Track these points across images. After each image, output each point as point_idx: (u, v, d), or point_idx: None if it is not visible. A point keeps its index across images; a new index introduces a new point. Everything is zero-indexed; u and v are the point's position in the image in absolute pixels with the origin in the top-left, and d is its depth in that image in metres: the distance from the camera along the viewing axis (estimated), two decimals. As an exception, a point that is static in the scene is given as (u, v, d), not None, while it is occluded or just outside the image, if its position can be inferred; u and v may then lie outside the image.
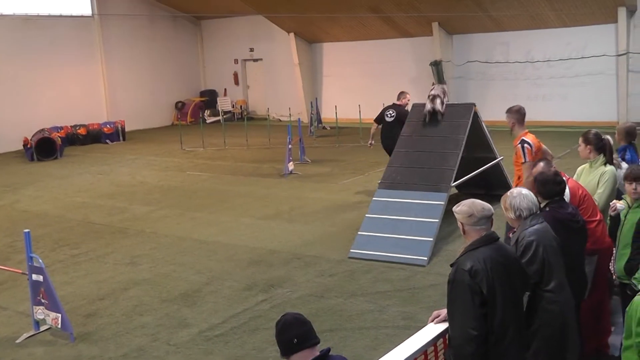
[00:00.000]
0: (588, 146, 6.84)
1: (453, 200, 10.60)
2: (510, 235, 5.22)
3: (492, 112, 17.82)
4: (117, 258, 10.36)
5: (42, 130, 21.82)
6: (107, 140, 23.78)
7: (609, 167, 6.73)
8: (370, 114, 22.38)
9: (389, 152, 11.94)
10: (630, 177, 5.77)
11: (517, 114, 8.31)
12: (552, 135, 19.65)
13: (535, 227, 4.85)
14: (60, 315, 7.38)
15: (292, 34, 26.35)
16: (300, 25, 25.58)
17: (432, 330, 4.74)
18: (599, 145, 6.78)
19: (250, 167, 17.54)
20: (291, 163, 16.24)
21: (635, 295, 4.24)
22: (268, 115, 25.13)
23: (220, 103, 29.23)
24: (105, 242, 11.26)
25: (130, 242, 11.17)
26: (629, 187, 5.79)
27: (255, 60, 29.04)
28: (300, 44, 26.58)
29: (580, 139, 6.97)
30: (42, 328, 7.67)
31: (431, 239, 9.46)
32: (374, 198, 10.49)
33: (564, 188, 5.64)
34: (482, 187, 11.70)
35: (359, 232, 9.99)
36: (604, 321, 6.31)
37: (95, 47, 25.81)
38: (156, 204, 13.81)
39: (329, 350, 3.77)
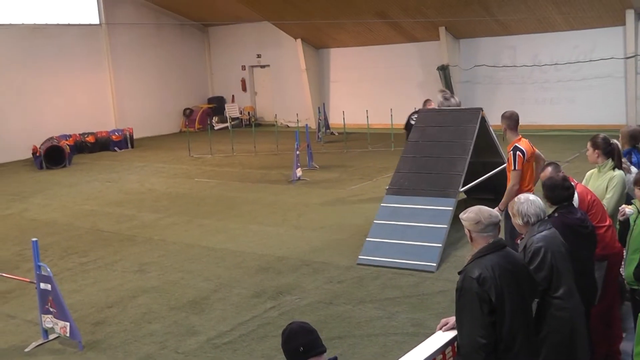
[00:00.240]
0: (596, 150, 6.80)
1: (461, 205, 10.59)
2: (518, 241, 5.19)
3: (500, 117, 17.76)
4: (125, 266, 10.36)
5: (51, 138, 21.92)
6: (116, 148, 23.85)
7: (618, 172, 6.68)
8: (377, 119, 22.48)
9: None
10: (640, 182, 5.73)
11: (509, 120, 8.27)
12: (560, 139, 19.63)
13: (543, 233, 4.82)
14: (68, 323, 7.38)
15: (299, 40, 26.38)
16: (307, 31, 25.60)
17: (441, 338, 4.70)
18: (607, 149, 6.74)
19: (258, 173, 17.54)
20: (299, 169, 16.23)
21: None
22: (276, 122, 25.16)
23: (228, 109, 29.27)
24: (114, 249, 11.27)
25: (139, 250, 11.18)
26: (638, 192, 5.75)
27: (263, 66, 29.08)
28: (307, 49, 26.62)
29: (589, 143, 6.92)
30: (51, 337, 7.67)
31: (440, 245, 9.42)
32: (382, 204, 10.46)
33: (573, 193, 5.61)
34: (490, 191, 11.64)
35: (367, 239, 9.96)
36: (614, 327, 6.25)
37: (102, 55, 25.92)
38: (164, 211, 13.82)
39: (335, 359, 3.75)
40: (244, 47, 28.99)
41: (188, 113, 28.86)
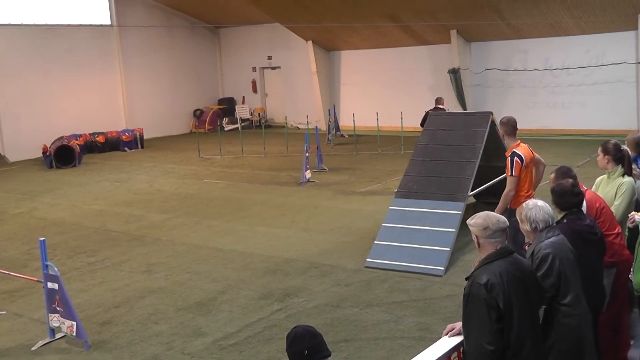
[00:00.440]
0: (606, 156, 6.76)
1: (470, 209, 10.56)
2: (526, 247, 5.15)
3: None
4: (133, 266, 10.38)
5: (61, 138, 21.99)
6: (126, 148, 23.92)
7: (627, 179, 6.63)
8: (388, 122, 22.44)
9: None
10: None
11: (506, 126, 8.19)
12: (571, 144, 19.55)
13: (551, 239, 4.78)
14: (75, 323, 7.40)
15: (310, 42, 26.39)
16: (318, 33, 25.60)
17: (447, 343, 4.68)
18: (617, 156, 6.69)
19: (267, 175, 17.54)
20: (308, 171, 16.22)
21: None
22: (286, 123, 25.16)
23: (238, 111, 29.31)
24: (122, 250, 11.29)
25: (147, 250, 11.19)
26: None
27: (274, 68, 29.11)
28: (318, 51, 26.62)
29: (599, 149, 6.88)
30: (58, 336, 7.69)
31: (448, 249, 9.39)
32: (390, 207, 10.44)
33: (582, 199, 5.56)
34: (499, 196, 11.56)
35: (376, 242, 9.94)
36: (622, 334, 6.20)
37: (114, 56, 26.02)
38: (173, 212, 13.84)
39: (340, 363, 3.74)
40: (254, 48, 29.03)
41: (198, 114, 28.92)
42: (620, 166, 6.71)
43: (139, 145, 24.29)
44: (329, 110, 24.45)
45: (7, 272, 8.99)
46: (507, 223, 4.47)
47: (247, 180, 16.93)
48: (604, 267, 5.65)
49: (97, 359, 7.22)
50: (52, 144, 21.44)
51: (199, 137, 22.37)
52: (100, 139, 23.79)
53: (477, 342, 4.25)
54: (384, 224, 10.17)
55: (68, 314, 7.43)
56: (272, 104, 29.69)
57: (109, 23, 25.83)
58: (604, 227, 5.81)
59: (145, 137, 24.83)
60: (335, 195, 14.60)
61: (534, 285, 4.47)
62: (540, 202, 4.96)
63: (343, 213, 12.98)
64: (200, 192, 15.79)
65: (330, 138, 23.07)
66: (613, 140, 6.88)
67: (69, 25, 24.49)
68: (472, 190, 10.20)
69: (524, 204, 4.99)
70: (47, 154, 20.97)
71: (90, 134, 23.77)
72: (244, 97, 30.04)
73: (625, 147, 6.86)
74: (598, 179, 7.08)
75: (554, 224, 4.96)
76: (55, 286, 7.48)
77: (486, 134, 10.59)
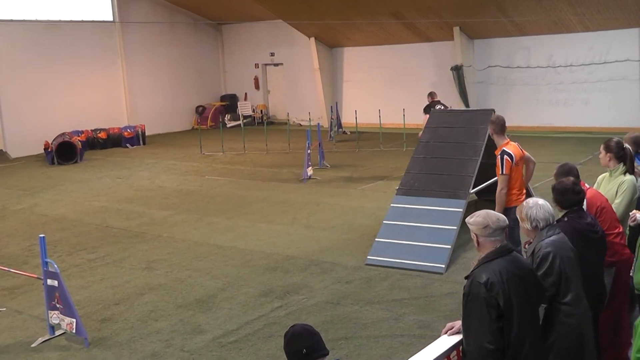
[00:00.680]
0: (608, 154, 6.72)
1: (471, 207, 10.52)
2: (527, 246, 5.12)
3: (513, 118, 17.67)
4: (133, 263, 10.36)
5: (63, 134, 21.97)
6: (127, 145, 23.91)
7: (629, 177, 6.59)
8: (390, 119, 22.42)
9: None
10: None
11: (495, 124, 8.20)
12: (574, 141, 19.51)
13: (551, 238, 4.75)
14: (74, 320, 7.38)
15: (312, 39, 26.34)
16: (320, 30, 25.56)
17: (446, 341, 4.65)
18: (619, 154, 6.65)
19: (269, 172, 17.52)
20: (310, 168, 16.20)
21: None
22: (288, 120, 25.13)
23: (240, 107, 29.30)
24: (122, 246, 11.28)
25: (147, 247, 11.17)
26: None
27: (276, 64, 29.07)
28: (320, 48, 26.57)
29: (602, 147, 6.84)
30: (57, 333, 7.69)
31: (449, 247, 9.36)
32: (391, 204, 10.41)
33: (583, 198, 5.52)
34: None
35: (377, 239, 9.92)
36: (622, 333, 6.16)
37: (116, 52, 25.99)
38: (174, 209, 13.82)
39: (339, 361, 3.72)
40: (257, 45, 28.98)
41: (200, 110, 28.90)
42: (622, 164, 6.67)
43: (141, 142, 24.28)
44: (331, 107, 24.44)
45: (6, 269, 8.97)
46: (507, 221, 4.44)
47: (249, 177, 16.91)
48: (605, 267, 5.61)
49: (96, 356, 7.20)
50: (54, 140, 21.43)
51: (201, 134, 22.35)
52: (102, 135, 23.78)
53: (477, 341, 4.23)
54: (385, 222, 10.14)
55: (68, 311, 7.42)
56: (275, 100, 29.66)
57: (111, 19, 25.79)
58: (604, 227, 5.77)
59: (147, 133, 24.84)
60: (337, 192, 14.58)
61: (533, 283, 4.44)
62: (540, 201, 4.92)
63: (344, 210, 12.95)
64: (201, 189, 15.77)
65: (332, 135, 23.04)
66: (615, 138, 6.84)
67: (71, 21, 24.45)
68: (473, 188, 10.17)
69: (524, 203, 4.96)
70: (49, 150, 20.97)
71: (92, 130, 23.76)
72: (246, 93, 30.01)
73: (627, 145, 6.81)
74: (600, 177, 7.04)
75: (555, 223, 4.93)
76: (55, 283, 7.47)
77: (488, 132, 10.54)
